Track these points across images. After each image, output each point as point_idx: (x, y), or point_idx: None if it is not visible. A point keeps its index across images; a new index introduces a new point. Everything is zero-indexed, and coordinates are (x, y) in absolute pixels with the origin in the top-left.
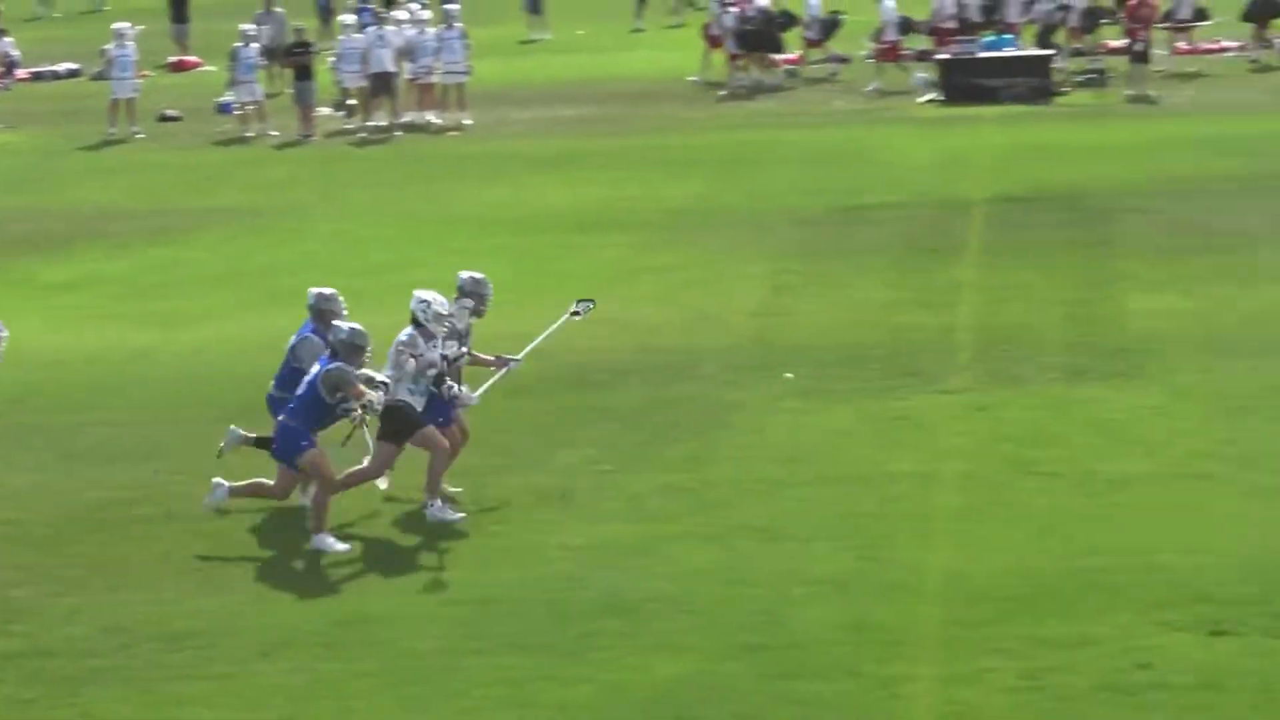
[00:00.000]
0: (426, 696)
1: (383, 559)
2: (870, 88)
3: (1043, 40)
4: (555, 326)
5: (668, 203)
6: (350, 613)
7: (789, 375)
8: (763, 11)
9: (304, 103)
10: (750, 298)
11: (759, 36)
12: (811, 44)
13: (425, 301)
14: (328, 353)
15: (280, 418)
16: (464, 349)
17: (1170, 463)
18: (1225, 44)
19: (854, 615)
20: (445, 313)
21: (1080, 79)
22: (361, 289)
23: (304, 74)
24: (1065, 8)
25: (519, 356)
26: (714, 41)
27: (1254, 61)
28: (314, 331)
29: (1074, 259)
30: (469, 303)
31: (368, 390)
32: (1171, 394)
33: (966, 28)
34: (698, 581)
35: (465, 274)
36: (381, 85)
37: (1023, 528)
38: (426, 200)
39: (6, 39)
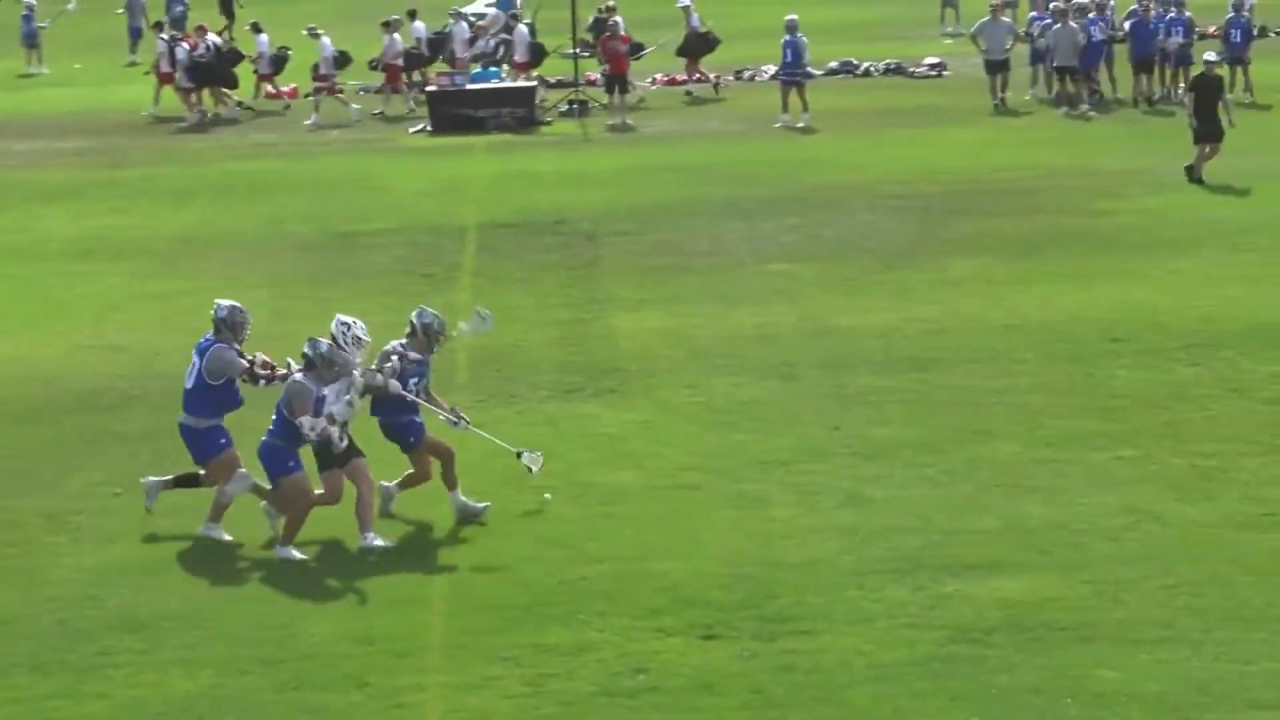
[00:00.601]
0: None
1: None
2: (309, 121)
3: None
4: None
5: (169, 230)
6: None
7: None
8: (214, 47)
9: None
10: (252, 323)
11: (211, 71)
12: (263, 78)
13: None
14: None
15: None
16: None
17: (659, 474)
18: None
19: (363, 628)
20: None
21: (564, 109)
22: None
23: None
24: (507, 43)
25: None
26: (164, 77)
27: (689, 94)
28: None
29: (563, 281)
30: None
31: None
32: (659, 409)
33: (412, 60)
34: (210, 598)
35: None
36: None
37: (523, 539)
38: None
39: None
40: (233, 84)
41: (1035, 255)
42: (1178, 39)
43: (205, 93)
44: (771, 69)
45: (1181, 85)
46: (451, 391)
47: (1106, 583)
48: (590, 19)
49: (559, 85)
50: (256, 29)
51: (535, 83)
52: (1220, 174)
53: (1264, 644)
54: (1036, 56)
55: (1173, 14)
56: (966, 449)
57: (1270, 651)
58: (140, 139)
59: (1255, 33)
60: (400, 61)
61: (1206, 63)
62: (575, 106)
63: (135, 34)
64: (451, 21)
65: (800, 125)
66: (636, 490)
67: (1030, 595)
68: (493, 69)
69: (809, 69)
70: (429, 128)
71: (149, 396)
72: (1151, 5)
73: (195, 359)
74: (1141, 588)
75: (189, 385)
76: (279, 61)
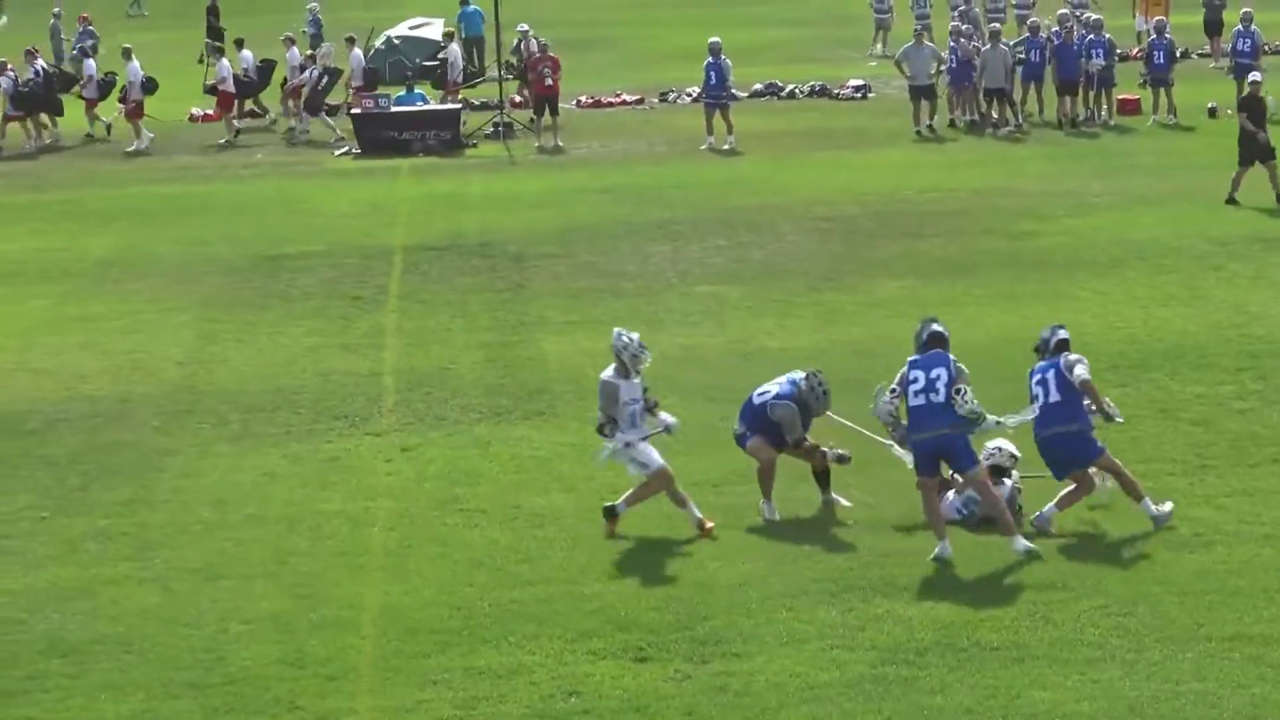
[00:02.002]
0: None
1: None
2: (132, 146)
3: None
4: None
5: (92, 254)
6: None
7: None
8: (40, 73)
9: None
10: (179, 345)
11: (36, 98)
12: (90, 103)
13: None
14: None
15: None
16: None
17: (590, 496)
18: (626, 96)
19: (293, 651)
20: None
21: (488, 132)
22: None
23: None
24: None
25: None
26: None
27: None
28: None
29: (490, 304)
30: None
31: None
32: (588, 431)
33: (242, 87)
34: (139, 622)
35: None
36: None
37: (453, 562)
38: None
39: None
40: (58, 111)
41: (962, 276)
42: (1099, 61)
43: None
44: (695, 90)
45: (1105, 107)
46: (378, 415)
47: (1038, 603)
48: (514, 42)
49: (484, 107)
50: (128, 55)
51: (461, 105)
52: (1144, 195)
53: (1193, 664)
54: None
55: (1093, 36)
56: (896, 471)
57: (1199, 671)
58: (61, 162)
59: (1177, 55)
60: (230, 88)
61: (1253, 83)
62: (500, 129)
63: None
64: (284, 48)
65: (725, 148)
66: (567, 512)
67: (961, 615)
68: (417, 92)
69: (733, 91)
70: (355, 150)
71: (74, 420)
72: (1075, 27)
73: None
74: (1072, 608)
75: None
76: (106, 86)
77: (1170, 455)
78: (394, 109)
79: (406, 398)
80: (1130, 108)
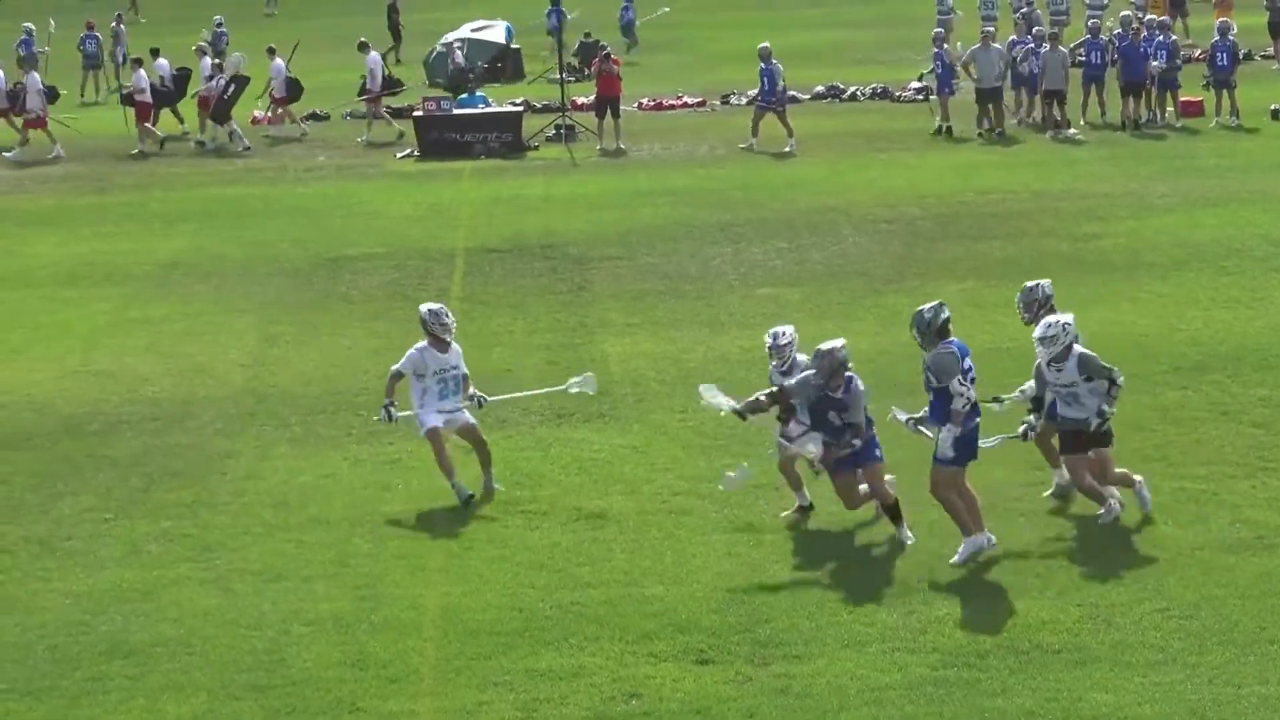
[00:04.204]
0: None
1: None
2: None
3: None
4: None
5: (157, 256)
6: None
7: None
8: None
9: None
10: (241, 348)
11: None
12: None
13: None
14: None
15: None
16: None
17: (650, 499)
18: (687, 99)
19: (354, 652)
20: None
21: (550, 134)
22: None
23: None
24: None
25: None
26: None
27: None
28: None
29: (552, 306)
30: None
31: None
32: (649, 433)
33: (161, 97)
34: (201, 624)
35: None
36: None
37: (514, 564)
38: None
39: None
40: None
41: (1023, 278)
42: (1161, 63)
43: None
44: (755, 93)
45: (1167, 108)
46: None
47: (1099, 605)
48: (577, 43)
49: (545, 110)
50: (271, 51)
51: (523, 108)
52: (1206, 197)
53: (1256, 667)
54: (1019, 80)
55: (1159, 38)
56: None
57: (1262, 675)
58: (125, 165)
59: (1240, 57)
60: (147, 98)
61: None
62: (563, 131)
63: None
64: (196, 58)
65: (786, 150)
66: (628, 515)
67: (1022, 618)
68: (479, 94)
69: (788, 93)
70: (415, 153)
71: (137, 422)
72: (1141, 29)
73: None
74: (1134, 611)
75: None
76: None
77: (1232, 458)
78: (455, 111)
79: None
80: (1193, 110)
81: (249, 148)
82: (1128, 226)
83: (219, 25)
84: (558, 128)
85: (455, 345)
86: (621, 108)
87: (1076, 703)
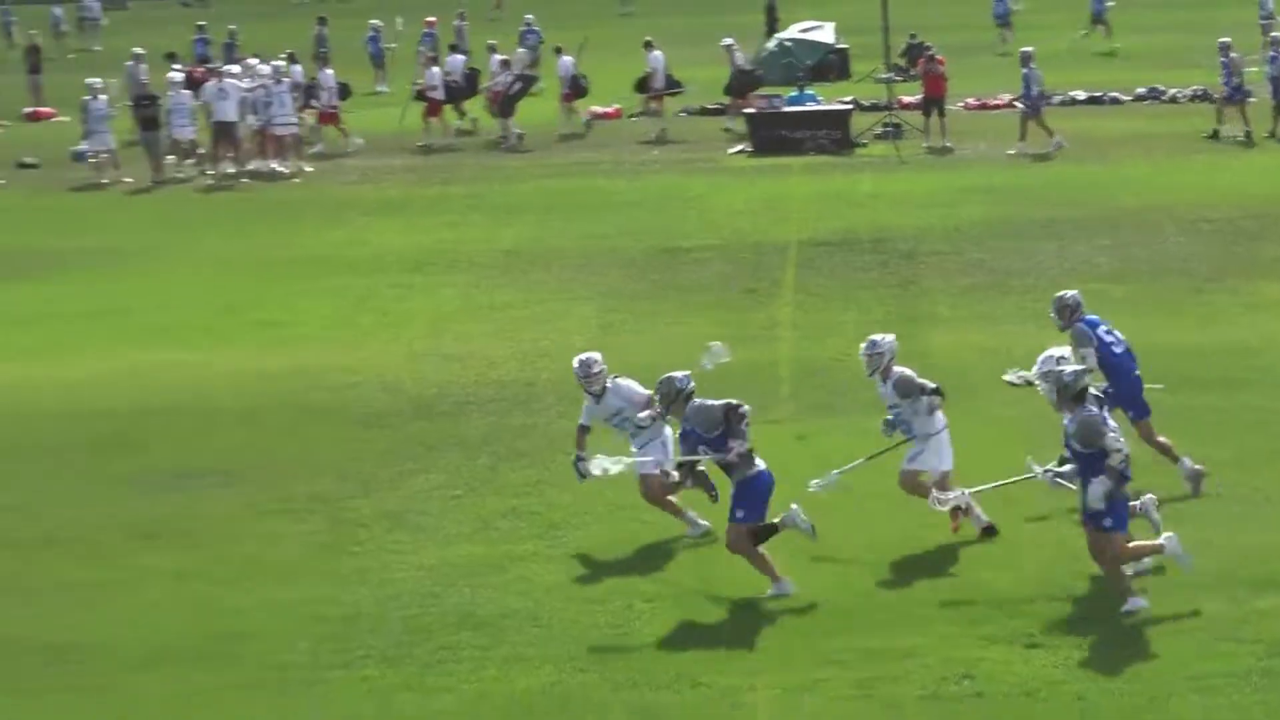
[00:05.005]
0: (297, 707)
1: (248, 579)
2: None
3: None
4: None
5: (499, 244)
6: (222, 628)
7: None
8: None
9: (152, 152)
10: (582, 334)
11: (459, 91)
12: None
13: None
14: None
15: None
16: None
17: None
18: (1009, 98)
19: (695, 628)
20: None
21: (878, 132)
22: (215, 326)
23: (150, 125)
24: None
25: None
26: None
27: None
28: None
29: (882, 298)
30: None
31: None
32: (977, 425)
33: (453, 92)
34: (547, 597)
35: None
36: (224, 134)
37: (849, 547)
38: (272, 242)
39: None
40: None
41: None
42: None
43: None
44: (1076, 94)
45: None
46: (774, 404)
47: None
48: (904, 44)
49: (873, 109)
50: (559, 51)
51: (851, 106)
52: None
53: None
54: None
55: None
56: (1277, 467)
57: None
58: (463, 157)
59: None
60: (438, 95)
61: None
62: (890, 129)
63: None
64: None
65: (1048, 150)
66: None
67: None
68: (808, 92)
69: (1045, 97)
70: (748, 148)
71: (484, 403)
72: None
73: None
74: None
75: None
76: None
77: None
78: (786, 109)
79: (799, 388)
80: None
81: (519, 138)
82: None
83: (529, 24)
84: (885, 125)
85: (624, 388)
86: (946, 106)
87: None
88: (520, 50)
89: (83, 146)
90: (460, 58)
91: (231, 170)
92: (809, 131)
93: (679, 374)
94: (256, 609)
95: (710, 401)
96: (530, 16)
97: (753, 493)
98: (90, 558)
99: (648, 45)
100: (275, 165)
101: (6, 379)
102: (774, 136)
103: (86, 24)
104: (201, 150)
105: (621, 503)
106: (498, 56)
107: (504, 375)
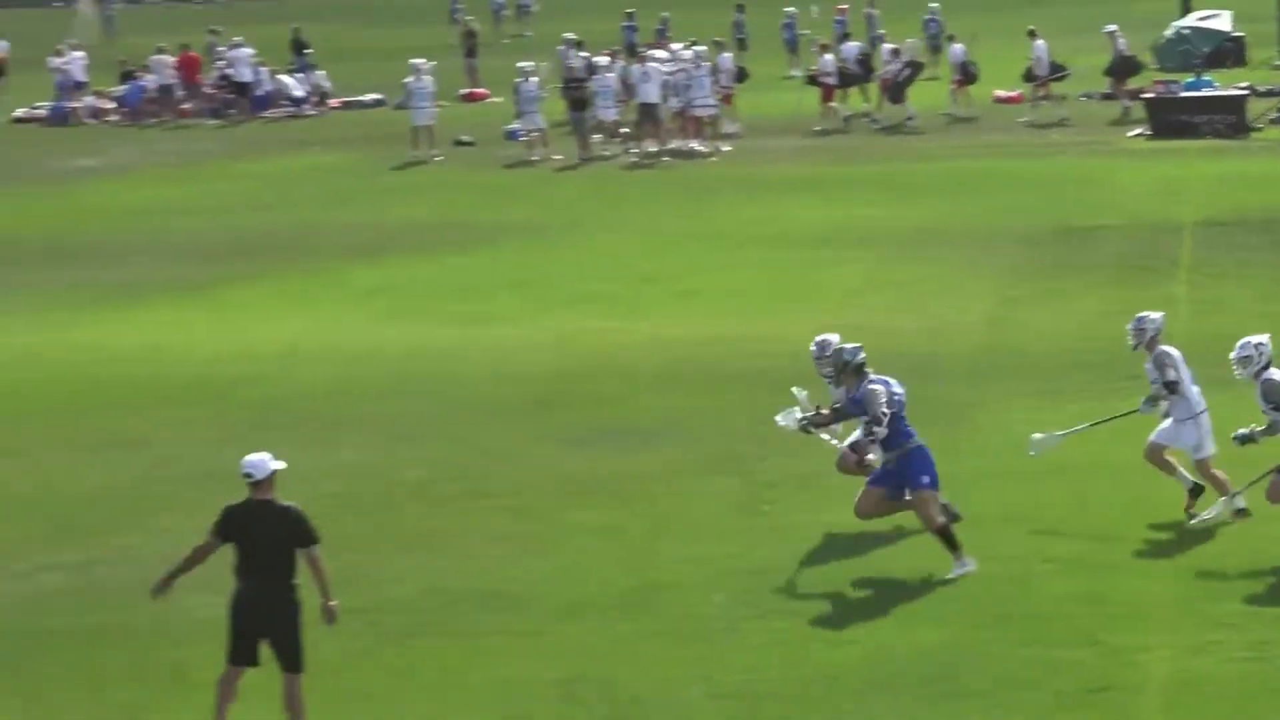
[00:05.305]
0: (711, 655)
1: (667, 534)
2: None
3: None
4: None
5: (903, 222)
6: (642, 581)
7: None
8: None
9: (580, 131)
10: (982, 309)
11: (853, 77)
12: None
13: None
14: None
15: None
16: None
17: None
18: None
19: (1092, 589)
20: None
21: (1273, 117)
22: (635, 296)
23: (578, 105)
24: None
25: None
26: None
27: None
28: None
29: (1277, 277)
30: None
31: None
32: None
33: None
34: (942, 560)
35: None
36: (647, 115)
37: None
38: (689, 217)
39: (319, 72)
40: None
41: None
42: None
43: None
44: None
45: None
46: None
47: None
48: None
49: (1269, 94)
50: (951, 39)
51: (1247, 91)
52: None
53: None
54: None
55: None
56: None
57: None
58: (864, 139)
59: None
60: (830, 80)
61: None
62: None
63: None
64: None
65: None
66: None
67: None
68: (1205, 78)
69: None
70: (1147, 131)
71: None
72: None
73: None
74: None
75: None
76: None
77: None
78: (1183, 94)
79: (1195, 363)
80: None
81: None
82: None
83: (931, 16)
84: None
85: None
86: None
87: None
88: (910, 40)
89: (514, 126)
90: (854, 45)
91: (653, 149)
92: (1205, 116)
93: (849, 345)
94: (674, 562)
95: (879, 391)
96: (935, 5)
97: (926, 459)
98: (520, 511)
99: (1031, 34)
100: (694, 144)
101: (444, 344)
102: (1171, 121)
103: (522, 11)
104: (625, 130)
105: (1019, 470)
106: (888, 45)
107: (909, 346)
